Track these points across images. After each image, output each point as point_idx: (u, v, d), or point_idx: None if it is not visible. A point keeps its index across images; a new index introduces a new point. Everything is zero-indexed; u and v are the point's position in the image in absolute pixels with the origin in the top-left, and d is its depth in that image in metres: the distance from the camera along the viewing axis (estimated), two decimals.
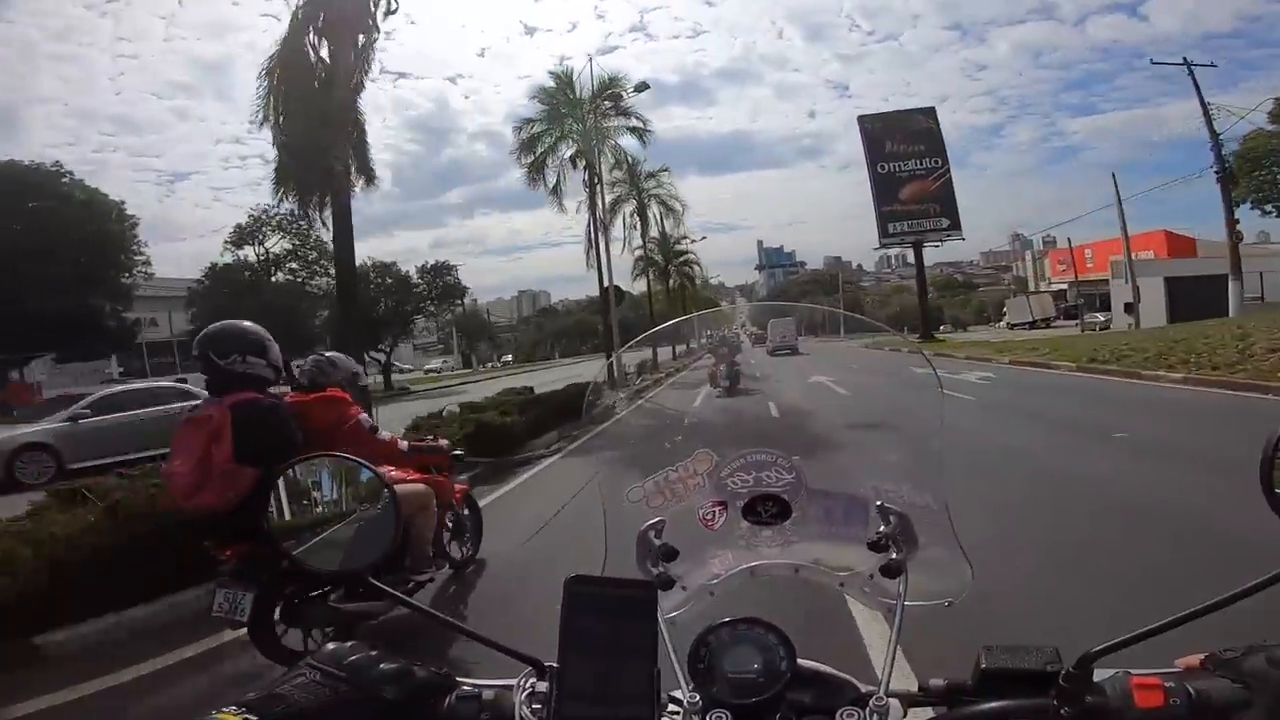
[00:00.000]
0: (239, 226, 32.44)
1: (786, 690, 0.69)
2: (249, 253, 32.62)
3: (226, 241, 32.37)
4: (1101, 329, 32.24)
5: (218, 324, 3.09)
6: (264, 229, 32.06)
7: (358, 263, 11.59)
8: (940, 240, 43.89)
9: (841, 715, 0.66)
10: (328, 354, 3.63)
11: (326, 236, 12.33)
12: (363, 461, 0.77)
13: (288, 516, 0.74)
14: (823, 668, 0.73)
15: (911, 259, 45.95)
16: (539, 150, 20.76)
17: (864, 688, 0.70)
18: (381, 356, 31.97)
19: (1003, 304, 58.59)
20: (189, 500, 2.82)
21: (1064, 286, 47.99)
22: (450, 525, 4.04)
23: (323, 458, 0.76)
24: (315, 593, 2.99)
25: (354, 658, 0.64)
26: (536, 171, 20.82)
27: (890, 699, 0.67)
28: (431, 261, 35.39)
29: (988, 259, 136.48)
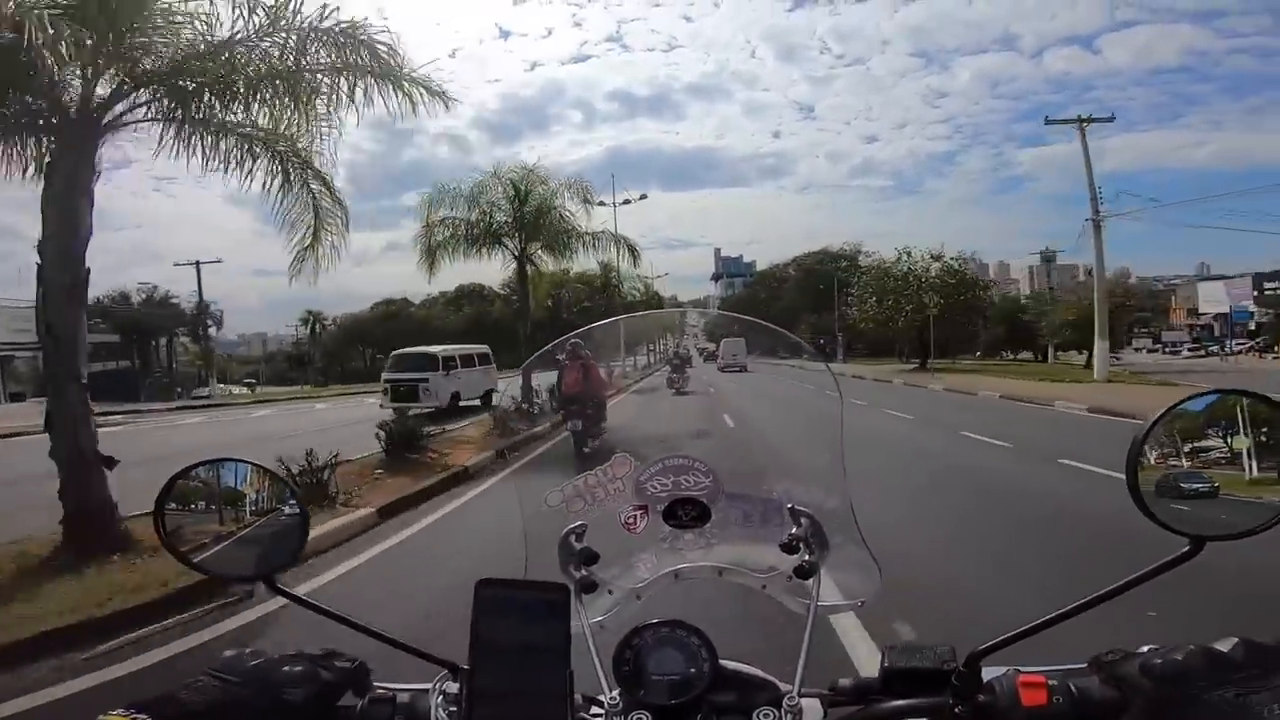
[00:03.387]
0: None
1: (709, 691, 0.71)
2: None
3: None
4: None
5: (586, 328, 7.19)
6: None
7: None
8: None
9: (758, 715, 0.68)
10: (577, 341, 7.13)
11: None
12: (278, 474, 0.75)
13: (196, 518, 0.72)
14: (744, 668, 0.75)
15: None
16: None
17: (783, 687, 0.72)
18: None
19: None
20: (570, 391, 5.50)
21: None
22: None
23: (237, 462, 0.73)
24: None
25: (252, 663, 0.64)
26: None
27: (803, 699, 0.69)
28: None
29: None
